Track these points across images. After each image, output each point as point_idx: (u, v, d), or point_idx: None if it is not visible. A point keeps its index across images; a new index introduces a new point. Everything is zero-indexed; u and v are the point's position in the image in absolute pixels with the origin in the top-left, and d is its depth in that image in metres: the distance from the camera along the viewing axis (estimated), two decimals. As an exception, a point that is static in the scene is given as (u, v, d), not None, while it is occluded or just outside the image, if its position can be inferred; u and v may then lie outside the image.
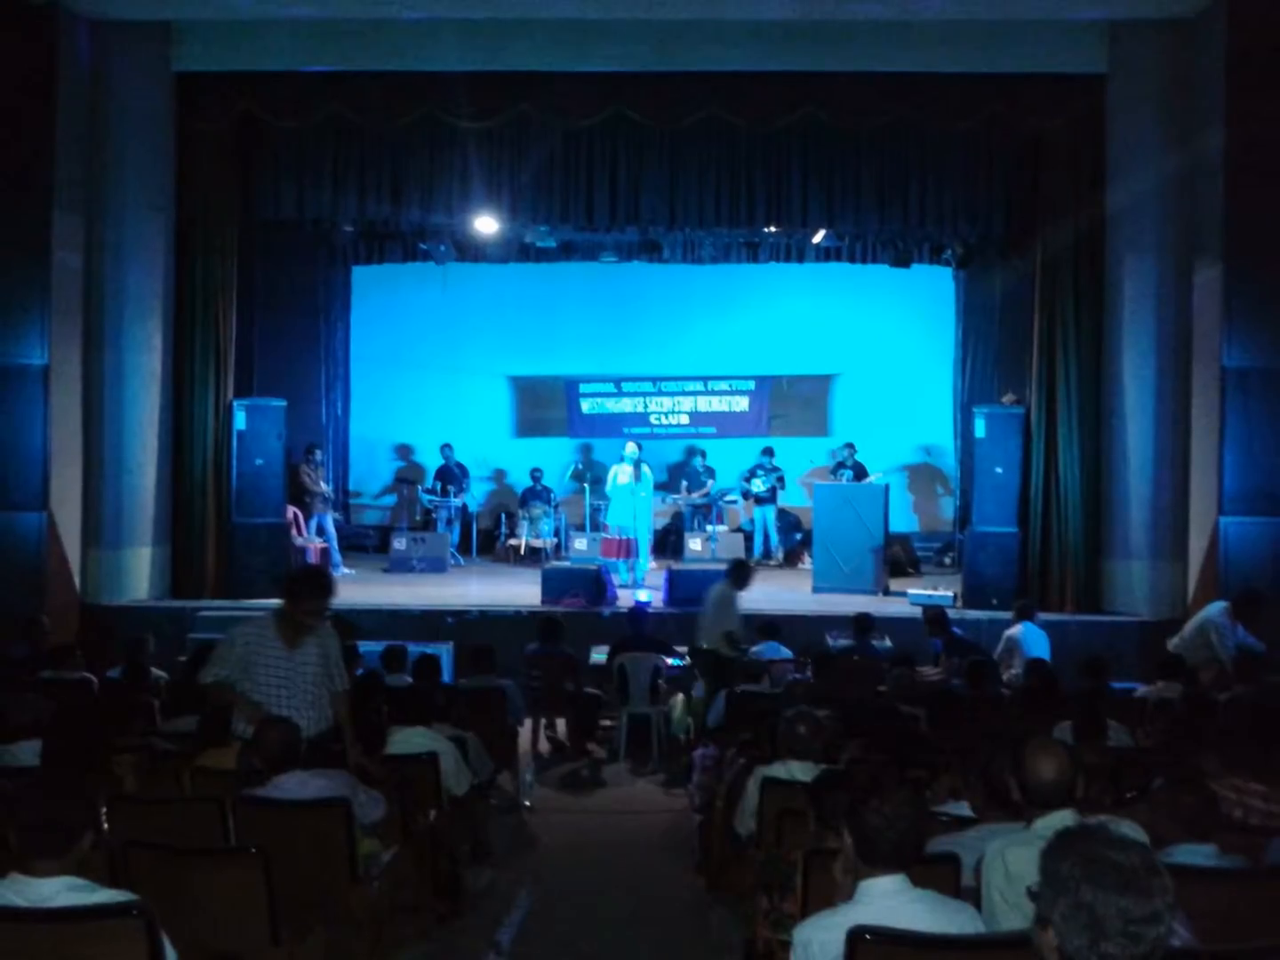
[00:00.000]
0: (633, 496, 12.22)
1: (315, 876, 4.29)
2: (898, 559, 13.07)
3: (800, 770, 4.86)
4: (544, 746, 8.99)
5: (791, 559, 14.01)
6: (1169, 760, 4.82)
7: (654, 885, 6.24)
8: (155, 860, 3.91)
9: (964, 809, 4.17)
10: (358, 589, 11.48)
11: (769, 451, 14.25)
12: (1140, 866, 2.08)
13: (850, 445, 13.64)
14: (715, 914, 5.71)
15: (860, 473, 13.22)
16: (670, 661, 9.03)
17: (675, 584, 10.96)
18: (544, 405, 15.57)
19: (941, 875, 3.49)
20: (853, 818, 3.11)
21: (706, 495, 14.38)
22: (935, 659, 8.90)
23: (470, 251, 14.21)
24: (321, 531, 12.91)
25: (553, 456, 14.96)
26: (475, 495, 14.59)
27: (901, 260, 14.11)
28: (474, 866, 6.20)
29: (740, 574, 9.16)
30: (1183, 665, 7.84)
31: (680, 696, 8.84)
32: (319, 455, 13.26)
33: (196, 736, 5.56)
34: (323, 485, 13.08)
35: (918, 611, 9.80)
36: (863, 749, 5.27)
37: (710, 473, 14.49)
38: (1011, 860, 3.24)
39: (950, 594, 11.06)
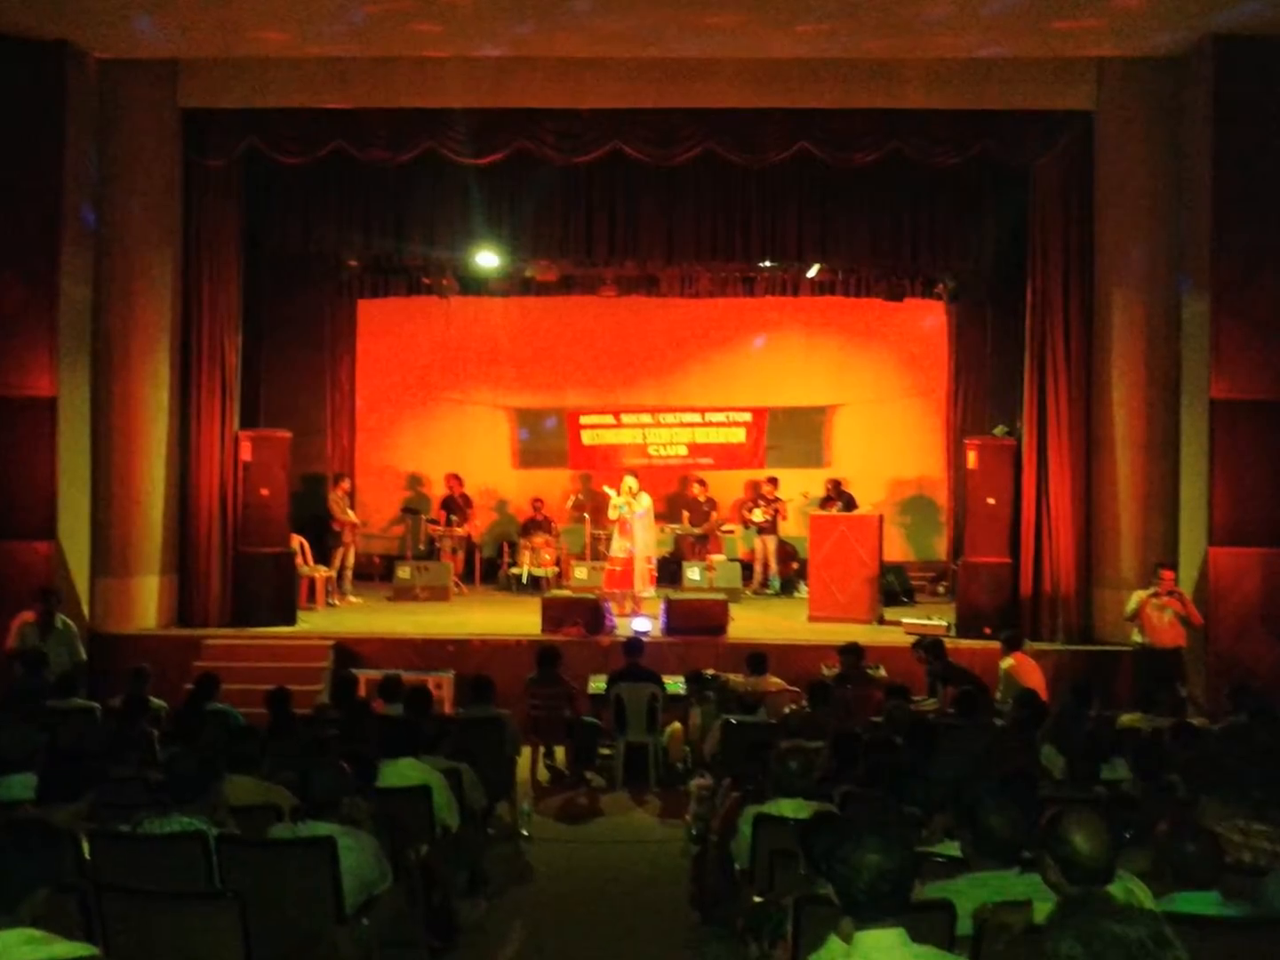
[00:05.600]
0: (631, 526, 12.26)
1: (300, 917, 4.23)
2: (892, 588, 13.08)
3: (790, 808, 4.80)
4: (542, 774, 9.02)
5: (788, 588, 14.02)
6: (1167, 801, 4.72)
7: (648, 918, 6.21)
8: (129, 904, 3.85)
9: (958, 849, 3.99)
10: (361, 617, 11.58)
11: (770, 481, 14.23)
12: (1149, 939, 1.95)
13: (834, 481, 13.67)
14: (710, 950, 5.63)
15: (850, 504, 13.24)
16: (666, 690, 9.04)
17: (673, 613, 11.01)
18: (545, 436, 15.62)
19: (935, 924, 3.31)
20: (827, 866, 2.87)
21: (710, 529, 14.30)
22: (931, 687, 8.95)
23: (472, 285, 14.30)
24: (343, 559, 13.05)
25: (553, 486, 15.03)
26: (478, 525, 14.63)
27: (895, 294, 14.19)
28: (469, 898, 6.14)
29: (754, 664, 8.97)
30: (1174, 695, 7.82)
31: (677, 725, 8.88)
32: (348, 485, 13.48)
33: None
34: (350, 514, 13.20)
35: (911, 640, 9.86)
36: (857, 784, 5.14)
37: (712, 504, 14.46)
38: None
39: (944, 623, 11.10)
